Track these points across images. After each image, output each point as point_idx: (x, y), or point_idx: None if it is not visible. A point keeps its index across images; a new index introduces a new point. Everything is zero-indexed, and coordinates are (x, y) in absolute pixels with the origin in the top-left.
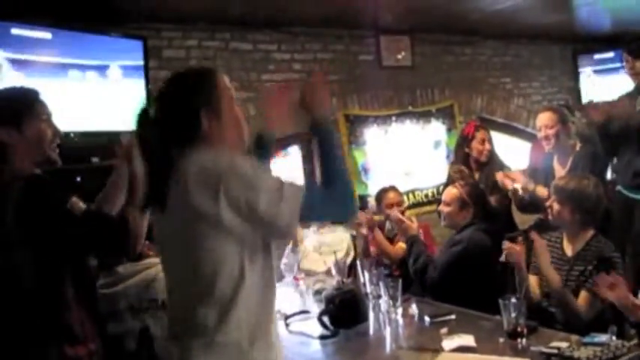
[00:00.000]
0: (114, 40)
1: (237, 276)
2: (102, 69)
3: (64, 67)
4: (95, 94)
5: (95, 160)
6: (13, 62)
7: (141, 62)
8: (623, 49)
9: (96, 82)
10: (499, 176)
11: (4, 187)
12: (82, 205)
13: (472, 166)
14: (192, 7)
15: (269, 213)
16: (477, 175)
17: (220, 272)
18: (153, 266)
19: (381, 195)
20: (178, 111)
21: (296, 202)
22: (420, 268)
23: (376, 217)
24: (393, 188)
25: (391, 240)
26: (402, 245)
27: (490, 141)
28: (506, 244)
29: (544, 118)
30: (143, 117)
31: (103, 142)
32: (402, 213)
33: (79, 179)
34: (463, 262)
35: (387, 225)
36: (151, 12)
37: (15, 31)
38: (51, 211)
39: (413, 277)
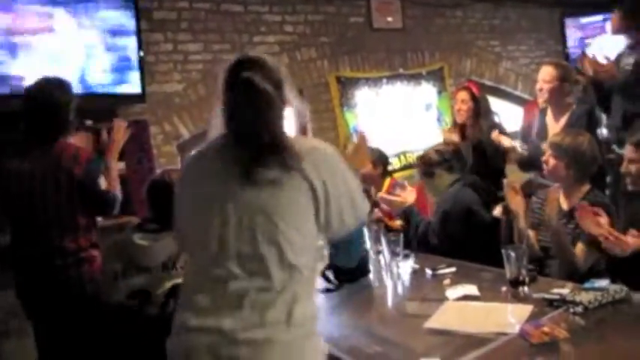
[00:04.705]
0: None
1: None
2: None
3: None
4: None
5: None
6: None
7: (132, 23)
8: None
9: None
10: (494, 135)
11: None
12: None
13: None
14: None
15: None
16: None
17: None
18: None
19: None
20: None
21: None
22: (421, 236)
23: None
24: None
25: None
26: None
27: (474, 100)
28: (507, 189)
29: (544, 72)
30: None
31: None
32: (390, 175)
33: None
34: (450, 222)
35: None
36: None
37: None
38: None
39: (417, 247)
